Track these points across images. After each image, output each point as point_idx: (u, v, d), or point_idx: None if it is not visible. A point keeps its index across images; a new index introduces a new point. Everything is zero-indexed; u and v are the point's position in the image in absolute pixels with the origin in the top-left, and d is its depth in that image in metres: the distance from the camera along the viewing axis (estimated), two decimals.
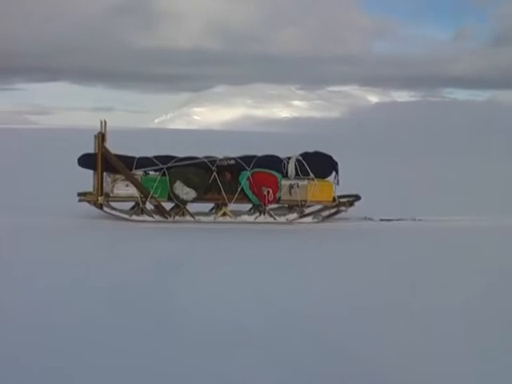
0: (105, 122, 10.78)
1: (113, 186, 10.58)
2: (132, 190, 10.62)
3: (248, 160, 10.95)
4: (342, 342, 5.30)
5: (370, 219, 11.50)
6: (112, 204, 10.80)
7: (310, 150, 11.68)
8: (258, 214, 10.99)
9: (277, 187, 10.83)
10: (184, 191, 10.61)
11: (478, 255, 9.28)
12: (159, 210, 10.78)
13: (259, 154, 11.34)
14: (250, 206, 11.15)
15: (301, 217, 11.08)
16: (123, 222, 10.59)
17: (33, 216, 10.68)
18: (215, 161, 10.88)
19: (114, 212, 10.75)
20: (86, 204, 10.71)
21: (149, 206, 10.82)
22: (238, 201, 10.88)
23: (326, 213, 11.24)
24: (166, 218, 10.75)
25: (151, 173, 10.86)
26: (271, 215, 10.99)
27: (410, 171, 23.81)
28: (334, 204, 11.13)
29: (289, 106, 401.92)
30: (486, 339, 5.49)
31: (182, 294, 6.62)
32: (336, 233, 10.54)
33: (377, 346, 5.20)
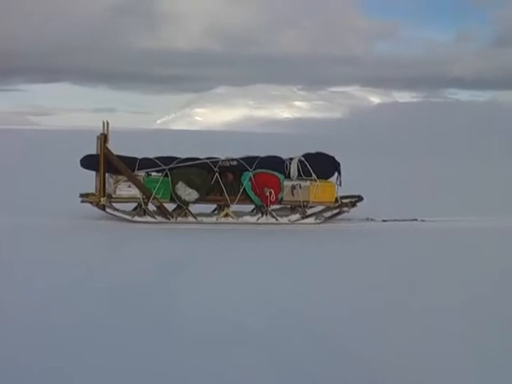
0: (107, 123, 10.78)
1: (115, 187, 10.58)
2: (134, 191, 10.62)
3: (250, 161, 10.94)
4: (344, 343, 5.30)
5: (372, 220, 11.49)
6: (114, 205, 10.80)
7: (312, 150, 11.69)
8: (260, 214, 10.98)
9: (279, 188, 10.83)
10: (186, 192, 10.61)
11: (479, 256, 9.28)
12: (161, 210, 10.78)
13: (261, 154, 11.33)
14: (252, 206, 11.16)
15: (303, 218, 11.08)
16: (125, 222, 10.59)
17: (33, 216, 10.68)
18: (217, 162, 10.88)
19: (116, 213, 10.75)
20: (87, 205, 10.71)
21: (151, 207, 10.82)
22: (240, 202, 10.88)
23: (329, 214, 11.23)
24: (168, 218, 10.75)
25: (153, 174, 10.86)
26: (273, 216, 10.99)
27: (412, 172, 23.81)
28: (337, 205, 11.13)
29: (290, 107, 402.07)
30: (486, 338, 5.49)
31: (183, 294, 6.63)
32: (338, 233, 10.54)
33: (379, 347, 5.19)
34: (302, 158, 11.13)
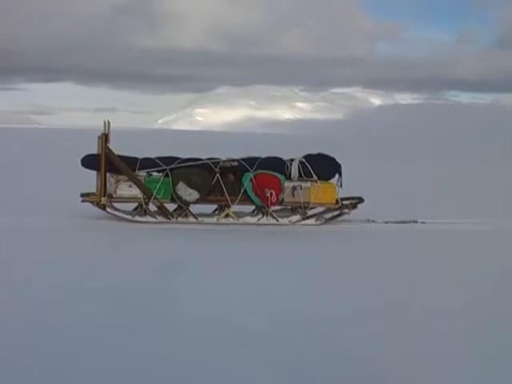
0: (108, 123, 10.78)
1: (116, 187, 10.58)
2: (135, 191, 10.62)
3: (251, 161, 10.94)
4: (345, 344, 5.29)
5: (372, 221, 11.49)
6: (115, 205, 10.80)
7: (313, 151, 11.68)
8: (260, 215, 10.98)
9: (280, 189, 10.82)
10: (187, 192, 10.60)
11: (480, 258, 9.27)
12: (162, 211, 10.77)
13: (262, 155, 11.32)
14: (252, 207, 11.15)
15: (304, 219, 11.07)
16: (126, 222, 10.58)
17: (34, 216, 10.67)
18: (218, 162, 10.87)
19: (116, 213, 10.74)
20: (88, 205, 10.71)
21: (152, 207, 10.81)
22: (241, 202, 10.87)
23: (329, 215, 11.22)
24: (169, 219, 10.75)
25: (154, 174, 10.86)
26: (274, 217, 10.98)
27: (413, 174, 23.81)
28: (337, 206, 11.12)
29: (292, 108, 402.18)
30: (487, 340, 5.50)
31: (184, 295, 6.62)
32: (339, 235, 10.53)
33: (379, 348, 5.19)
34: (303, 159, 11.13)
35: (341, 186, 11.04)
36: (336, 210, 11.18)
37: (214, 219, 10.91)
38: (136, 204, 10.82)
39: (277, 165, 11.04)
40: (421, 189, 17.87)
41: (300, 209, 11.04)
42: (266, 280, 7.34)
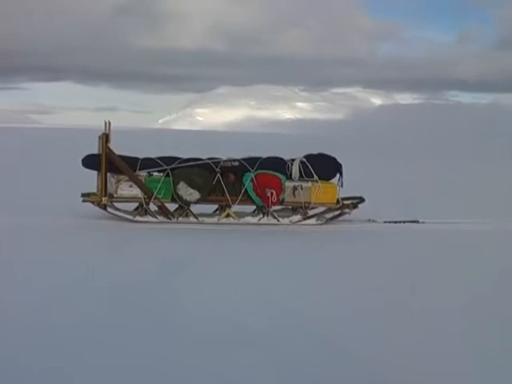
0: (109, 123, 10.79)
1: (117, 187, 10.58)
2: (136, 191, 10.62)
3: (252, 161, 10.94)
4: (345, 343, 5.30)
5: (373, 221, 11.49)
6: (116, 205, 10.80)
7: (314, 151, 11.68)
8: (261, 215, 10.98)
9: (280, 189, 10.83)
10: (188, 192, 10.60)
11: (480, 258, 9.28)
12: (163, 211, 10.78)
13: (262, 155, 11.32)
14: (253, 207, 11.15)
15: (304, 219, 11.08)
16: (127, 222, 10.59)
17: (34, 216, 10.68)
18: (219, 162, 10.87)
19: (117, 213, 10.75)
20: (89, 204, 10.72)
21: (152, 206, 10.81)
22: (242, 202, 10.87)
23: (330, 215, 11.22)
24: (170, 219, 10.75)
25: (155, 174, 10.86)
26: (275, 217, 10.98)
27: (414, 173, 23.81)
28: (338, 206, 11.12)
29: (292, 108, 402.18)
30: (487, 340, 5.51)
31: (185, 294, 6.63)
32: (340, 235, 10.53)
33: (380, 348, 5.20)
34: (304, 159, 11.13)
35: (341, 185, 11.04)
36: (337, 209, 11.18)
37: (215, 219, 10.91)
38: (137, 204, 10.82)
39: (278, 165, 11.04)
40: (421, 189, 17.87)
41: (301, 209, 11.05)
42: (266, 280, 7.35)
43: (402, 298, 6.78)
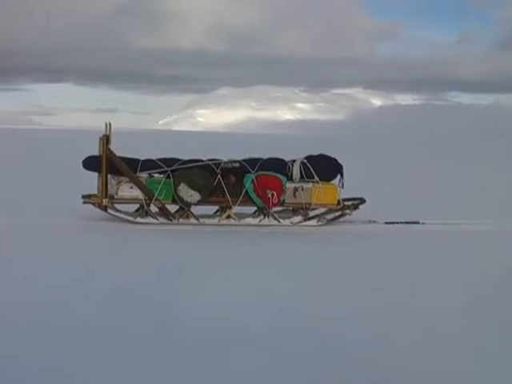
0: (109, 125, 10.80)
1: (117, 188, 10.59)
2: (136, 193, 10.63)
3: (253, 163, 10.94)
4: (346, 344, 5.31)
5: (374, 222, 11.49)
6: (116, 206, 10.81)
7: (314, 152, 11.69)
8: (262, 216, 10.99)
9: (281, 190, 10.83)
10: (188, 194, 10.61)
11: (480, 258, 9.29)
12: (163, 212, 10.79)
13: (263, 156, 11.32)
14: (254, 208, 11.15)
15: (305, 220, 11.08)
16: (127, 224, 10.59)
17: (35, 216, 10.69)
18: (220, 163, 10.88)
19: (118, 214, 10.75)
20: (89, 206, 10.72)
21: (153, 208, 10.82)
22: (243, 203, 10.87)
23: (331, 216, 11.23)
24: (171, 220, 10.76)
25: (156, 175, 10.87)
26: (275, 218, 10.98)
27: (414, 174, 23.81)
28: (339, 207, 11.12)
29: (293, 109, 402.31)
30: (487, 340, 5.51)
31: (185, 295, 6.63)
32: (340, 236, 10.54)
33: (380, 348, 5.20)
34: (305, 160, 11.13)
35: (342, 186, 11.05)
36: (337, 210, 11.17)
37: (216, 220, 10.92)
38: (137, 205, 10.83)
39: (278, 166, 11.05)
40: (422, 189, 17.88)
41: (301, 210, 11.05)
42: (267, 280, 7.36)
43: (403, 298, 6.79)
